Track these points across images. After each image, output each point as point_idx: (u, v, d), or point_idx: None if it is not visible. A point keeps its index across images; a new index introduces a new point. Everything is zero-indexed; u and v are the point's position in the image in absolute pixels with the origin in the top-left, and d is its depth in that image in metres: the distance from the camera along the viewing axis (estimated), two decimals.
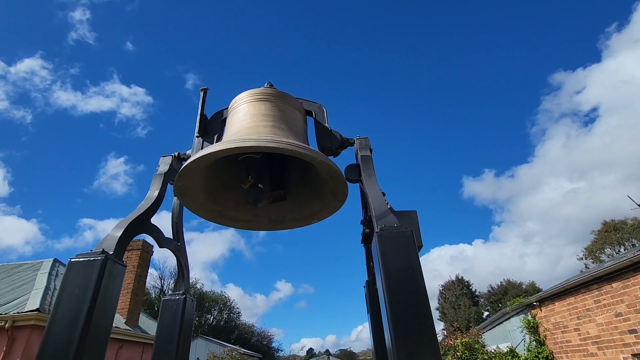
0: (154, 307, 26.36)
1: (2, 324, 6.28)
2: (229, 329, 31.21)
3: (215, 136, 2.91)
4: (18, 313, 6.44)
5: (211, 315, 33.20)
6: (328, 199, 2.68)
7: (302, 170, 2.76)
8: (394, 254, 1.72)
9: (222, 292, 36.77)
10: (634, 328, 5.28)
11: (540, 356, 7.34)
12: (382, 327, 2.42)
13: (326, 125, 2.90)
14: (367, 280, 2.78)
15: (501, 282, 40.13)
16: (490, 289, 40.48)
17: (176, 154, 2.81)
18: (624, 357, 5.52)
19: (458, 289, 39.31)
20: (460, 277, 40.95)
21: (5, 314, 6.42)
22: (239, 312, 36.00)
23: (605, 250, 34.17)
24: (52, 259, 10.46)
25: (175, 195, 2.86)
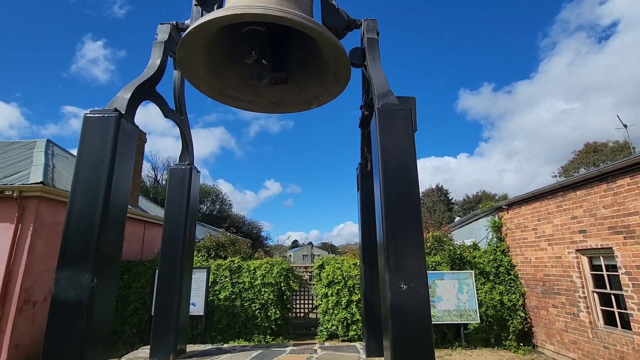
0: (149, 195, 27.84)
1: (10, 193, 6.68)
2: (222, 218, 33.73)
3: (215, 6, 2.73)
4: (24, 184, 6.80)
5: (204, 205, 35.40)
6: (330, 83, 2.71)
7: (305, 51, 2.71)
8: (393, 128, 1.86)
9: (214, 185, 38.55)
10: (584, 229, 6.02)
11: (497, 249, 8.45)
12: (371, 203, 2.73)
13: (333, 2, 2.73)
14: (360, 163, 3.02)
15: (477, 193, 43.01)
16: (465, 197, 43.60)
17: (174, 22, 2.67)
18: (568, 252, 6.43)
19: (436, 196, 42.07)
20: (440, 186, 43.57)
21: (12, 184, 6.77)
22: (230, 204, 38.37)
23: (580, 170, 36.00)
24: (44, 139, 10.52)
25: (176, 68, 2.82)
